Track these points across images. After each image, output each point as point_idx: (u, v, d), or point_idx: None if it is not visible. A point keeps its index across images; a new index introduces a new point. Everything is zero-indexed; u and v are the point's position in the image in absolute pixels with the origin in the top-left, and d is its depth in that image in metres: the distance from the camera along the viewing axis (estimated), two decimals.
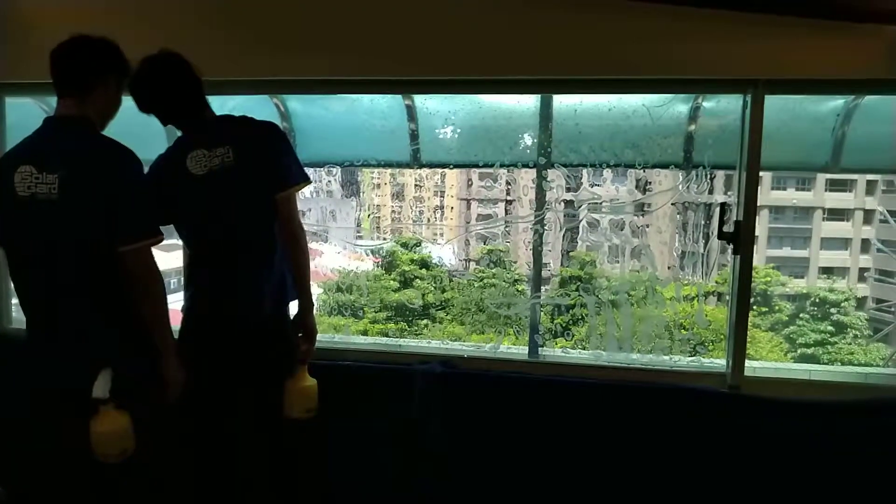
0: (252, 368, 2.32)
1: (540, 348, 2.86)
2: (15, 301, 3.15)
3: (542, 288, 2.98)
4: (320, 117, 3.28)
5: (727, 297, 2.68)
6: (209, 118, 2.31)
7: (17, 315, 3.17)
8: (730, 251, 2.58)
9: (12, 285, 3.02)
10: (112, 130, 2.19)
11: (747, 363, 2.63)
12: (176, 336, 2.20)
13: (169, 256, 3.11)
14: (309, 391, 2.38)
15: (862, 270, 13.11)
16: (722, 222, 2.54)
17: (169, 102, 2.26)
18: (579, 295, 2.95)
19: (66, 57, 2.06)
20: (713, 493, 2.56)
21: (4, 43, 2.89)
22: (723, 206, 2.55)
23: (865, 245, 13.19)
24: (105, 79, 2.08)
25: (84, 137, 2.03)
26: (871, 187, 13.01)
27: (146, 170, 2.23)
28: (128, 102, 2.25)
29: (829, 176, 12.35)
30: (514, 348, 3.02)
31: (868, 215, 13.11)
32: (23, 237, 2.04)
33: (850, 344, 11.72)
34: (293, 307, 2.38)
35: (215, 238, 2.27)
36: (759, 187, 2.52)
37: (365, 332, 9.27)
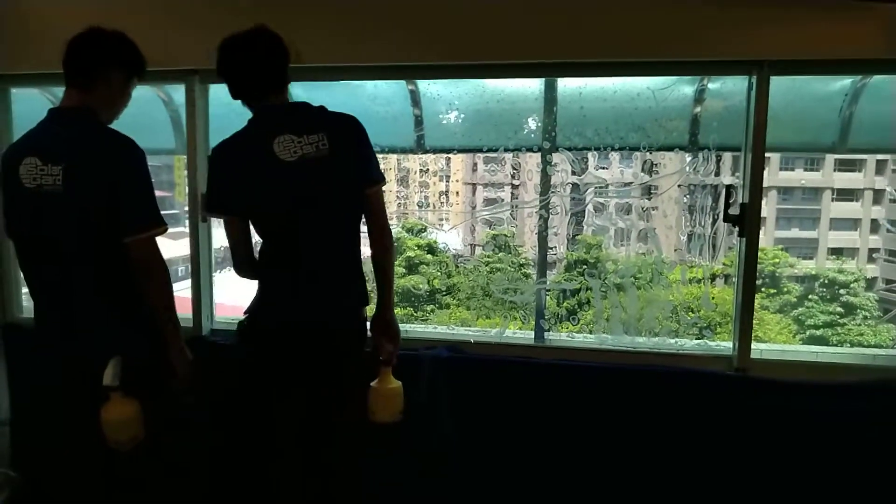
0: (335, 371, 2.21)
1: (546, 333, 2.87)
2: (25, 291, 3.18)
3: (548, 272, 2.98)
4: (324, 103, 3.26)
5: (734, 279, 2.68)
6: (290, 102, 2.24)
7: (27, 304, 3.20)
8: (736, 233, 2.58)
9: (22, 275, 3.12)
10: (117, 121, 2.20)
11: (754, 345, 2.63)
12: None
13: (176, 244, 3.13)
14: (395, 394, 2.28)
15: (871, 251, 13.05)
16: (727, 205, 2.54)
17: (263, 73, 2.16)
18: (584, 279, 2.94)
19: (76, 48, 2.07)
20: (720, 476, 2.58)
21: (9, 34, 2.89)
22: (728, 188, 2.54)
23: (875, 225, 13.11)
24: (111, 72, 2.09)
25: (87, 129, 2.05)
26: (881, 167, 12.92)
27: (212, 155, 2.21)
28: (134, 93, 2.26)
29: (837, 156, 12.25)
30: (520, 333, 3.03)
31: (878, 195, 13.02)
32: (31, 228, 2.06)
33: (859, 325, 11.70)
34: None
35: (306, 229, 2.11)
36: (766, 168, 2.50)
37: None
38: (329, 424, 2.23)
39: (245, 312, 2.24)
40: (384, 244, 2.26)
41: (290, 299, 2.16)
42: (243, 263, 2.22)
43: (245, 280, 2.27)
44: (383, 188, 2.27)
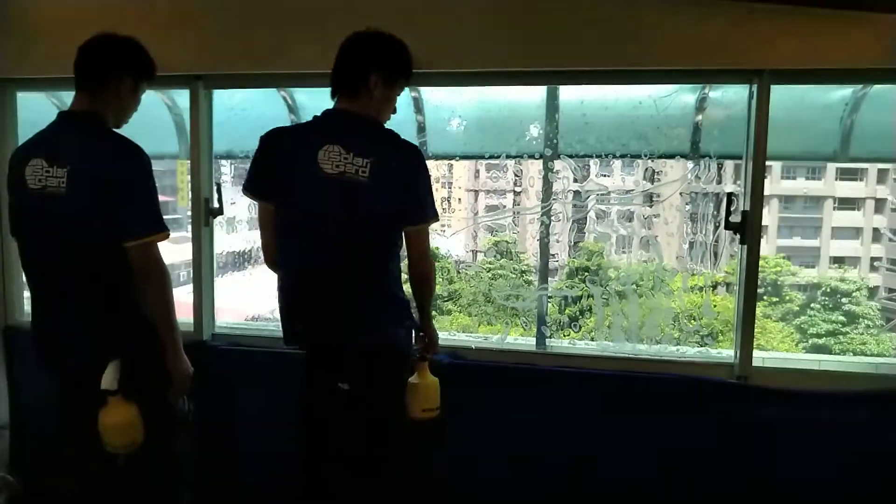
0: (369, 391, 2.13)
1: (547, 339, 2.87)
2: (27, 294, 3.19)
3: (550, 279, 2.98)
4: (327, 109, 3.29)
5: (736, 287, 2.68)
6: (359, 114, 2.09)
7: (28, 308, 3.21)
8: (737, 241, 2.58)
9: (21, 277, 3.13)
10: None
11: (756, 353, 2.63)
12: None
13: (178, 249, 3.14)
14: (431, 389, 2.25)
15: (873, 260, 13.03)
16: (728, 212, 2.54)
17: (338, 71, 2.11)
18: (586, 286, 2.94)
19: (85, 53, 2.08)
20: (721, 484, 2.58)
21: (15, 38, 2.92)
22: (729, 195, 2.54)
23: (877, 234, 13.10)
24: (119, 77, 2.10)
25: (93, 133, 2.06)
26: (882, 176, 12.92)
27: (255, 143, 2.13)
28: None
29: (839, 165, 12.25)
30: (521, 339, 3.03)
31: (879, 204, 13.02)
32: (34, 229, 2.08)
33: (861, 334, 11.67)
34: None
35: (319, 246, 2.05)
36: (768, 177, 2.51)
37: None
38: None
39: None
40: (420, 276, 2.23)
41: (297, 306, 2.14)
42: (267, 250, 2.18)
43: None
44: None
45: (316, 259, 2.05)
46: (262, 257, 2.21)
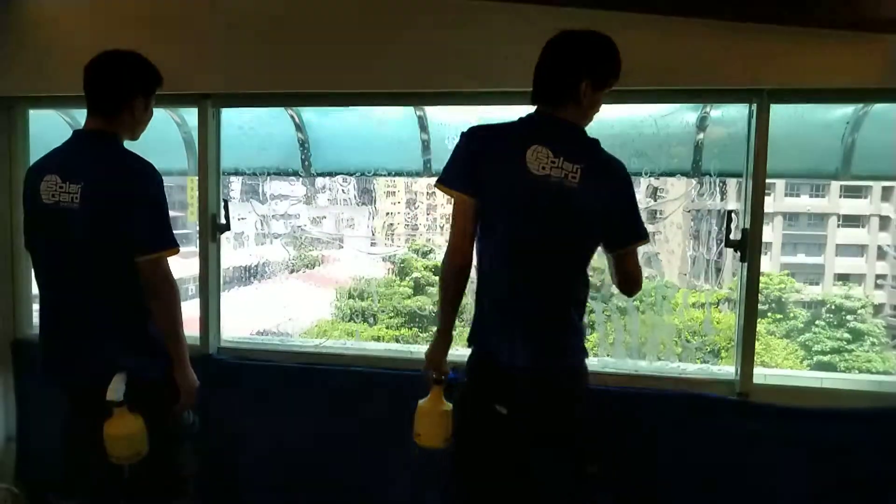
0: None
1: None
2: (36, 307, 3.22)
3: None
4: (334, 128, 3.34)
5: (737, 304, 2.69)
6: (567, 121, 2.01)
7: (37, 322, 3.24)
8: (738, 258, 2.60)
9: (33, 291, 3.16)
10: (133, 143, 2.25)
11: (758, 370, 2.63)
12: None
13: (187, 264, 3.18)
14: (444, 416, 2.14)
15: (878, 277, 12.98)
16: (728, 230, 2.56)
17: (567, 81, 1.99)
18: (588, 302, 2.96)
19: (96, 78, 2.12)
20: (720, 500, 2.57)
21: (27, 57, 2.97)
22: (729, 213, 2.55)
23: (882, 251, 13.07)
24: (132, 101, 2.14)
25: (108, 151, 2.11)
26: (886, 194, 12.90)
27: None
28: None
29: (843, 182, 12.25)
30: None
31: (884, 222, 12.99)
32: (46, 243, 2.13)
33: (867, 351, 11.60)
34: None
35: (547, 256, 1.97)
36: (772, 195, 2.52)
37: (378, 338, 9.31)
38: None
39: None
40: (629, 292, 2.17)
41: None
42: (458, 249, 2.03)
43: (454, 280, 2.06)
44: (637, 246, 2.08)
45: (522, 263, 1.97)
46: (448, 259, 2.05)
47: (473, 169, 1.99)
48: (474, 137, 2.03)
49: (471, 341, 2.14)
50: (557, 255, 1.98)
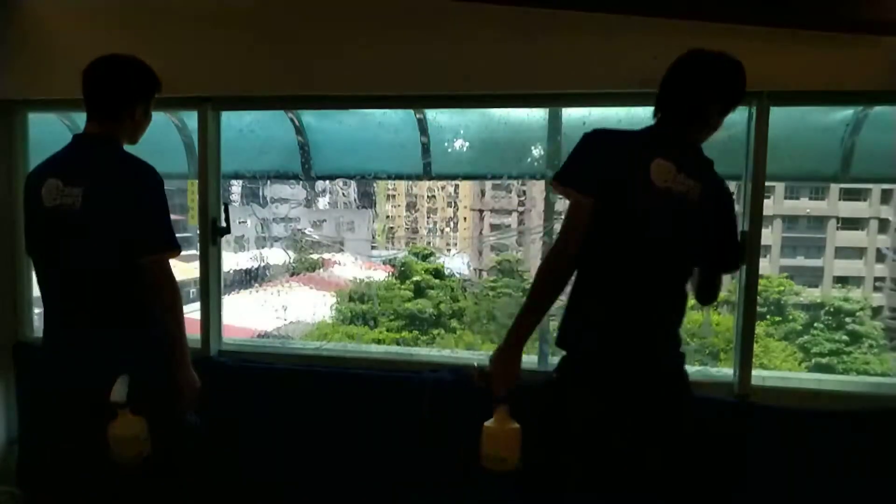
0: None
1: (549, 357, 2.89)
2: (37, 311, 3.23)
3: None
4: (334, 131, 3.35)
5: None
6: (690, 142, 2.05)
7: (38, 325, 3.25)
8: None
9: (34, 294, 3.17)
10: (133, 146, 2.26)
11: (756, 372, 2.64)
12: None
13: (187, 267, 3.19)
14: (515, 438, 2.03)
15: (877, 279, 12.99)
16: None
17: (698, 103, 2.03)
18: None
19: (96, 84, 2.13)
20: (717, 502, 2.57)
21: (27, 60, 2.98)
22: None
23: (881, 254, 13.07)
24: (133, 106, 2.15)
25: (109, 154, 2.12)
26: (886, 196, 12.91)
27: None
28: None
29: (843, 185, 12.26)
30: (523, 357, 3.04)
31: (883, 224, 13.00)
32: (48, 246, 2.14)
33: (865, 354, 11.60)
34: None
35: (662, 267, 1.98)
36: (772, 197, 2.52)
37: (379, 341, 9.32)
38: None
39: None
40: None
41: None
42: (566, 253, 1.96)
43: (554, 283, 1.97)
44: None
45: (638, 271, 1.95)
46: (554, 260, 1.98)
47: (596, 172, 1.95)
48: (600, 140, 2.01)
49: (569, 343, 2.06)
50: (671, 265, 2.00)
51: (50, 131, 3.22)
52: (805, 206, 13.29)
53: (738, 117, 2.70)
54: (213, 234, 2.95)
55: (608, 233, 1.94)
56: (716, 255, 2.08)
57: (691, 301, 2.17)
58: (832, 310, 12.08)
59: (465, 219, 12.10)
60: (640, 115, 2.83)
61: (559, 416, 2.04)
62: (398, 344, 9.19)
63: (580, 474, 2.05)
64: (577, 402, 2.01)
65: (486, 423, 2.04)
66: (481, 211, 12.91)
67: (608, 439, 2.01)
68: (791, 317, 12.06)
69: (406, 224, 11.35)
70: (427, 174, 3.22)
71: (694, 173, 1.95)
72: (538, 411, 2.05)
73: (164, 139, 3.17)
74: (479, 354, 3.02)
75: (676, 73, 2.05)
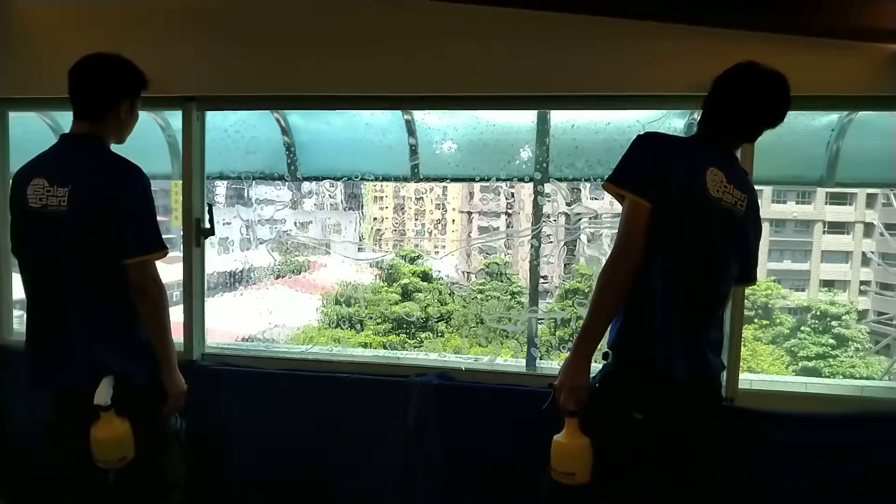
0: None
1: (538, 361, 2.88)
2: (17, 314, 3.18)
3: (542, 301, 3.00)
4: (321, 132, 3.33)
5: None
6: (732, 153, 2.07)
7: (17, 328, 3.20)
8: None
9: (15, 296, 3.12)
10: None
11: (744, 376, 2.65)
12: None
13: (170, 269, 3.15)
14: (587, 452, 1.96)
15: (862, 283, 13.10)
16: None
17: (748, 118, 2.04)
18: (575, 308, 2.96)
19: (81, 83, 2.11)
20: None
21: (9, 58, 2.94)
22: None
23: (866, 258, 13.19)
24: (118, 104, 2.13)
25: (95, 154, 2.10)
26: (871, 200, 13.03)
27: None
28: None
29: (829, 189, 12.36)
30: (511, 361, 3.04)
31: (868, 228, 13.12)
32: (34, 247, 2.12)
33: (851, 357, 11.71)
34: None
35: (713, 282, 1.97)
36: (759, 201, 2.51)
37: (366, 345, 9.28)
38: None
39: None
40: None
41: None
42: (628, 255, 1.91)
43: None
44: None
45: (690, 279, 1.92)
46: (615, 263, 1.92)
47: (653, 175, 1.91)
48: (656, 143, 1.99)
49: (619, 350, 2.00)
50: (721, 274, 1.98)
51: (33, 130, 3.18)
52: (792, 210, 13.40)
53: None
54: (197, 235, 2.91)
55: (663, 238, 1.90)
56: (745, 268, 2.08)
57: None
58: (819, 313, 12.18)
59: (453, 221, 12.10)
60: (625, 117, 2.85)
61: (602, 437, 1.97)
62: (385, 347, 9.15)
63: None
64: (624, 428, 1.95)
65: (556, 437, 1.99)
66: (469, 213, 12.92)
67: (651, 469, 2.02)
68: (778, 320, 12.14)
69: (394, 226, 11.33)
70: (415, 176, 3.21)
71: (742, 186, 1.97)
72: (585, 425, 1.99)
73: (147, 139, 3.14)
74: (466, 358, 3.00)
75: (732, 85, 2.03)
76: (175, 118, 3.08)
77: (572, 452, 1.96)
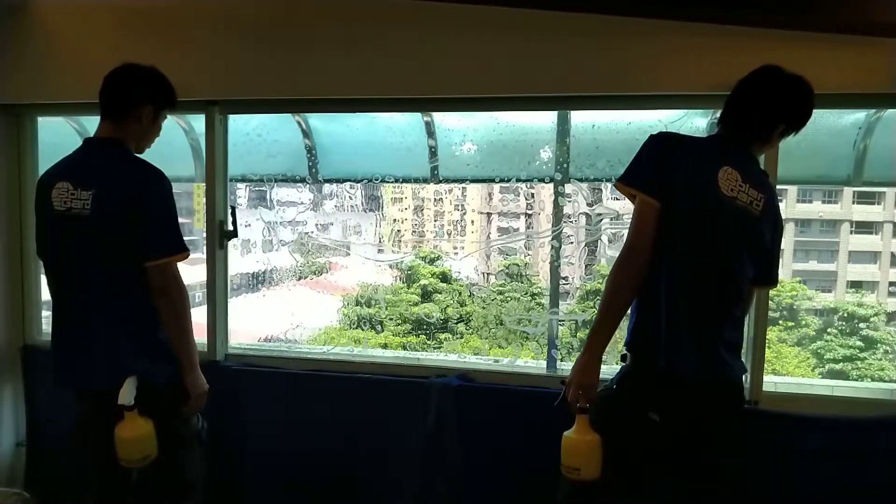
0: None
1: (558, 362, 2.87)
2: (45, 314, 3.24)
3: (562, 302, 2.99)
4: (341, 134, 3.35)
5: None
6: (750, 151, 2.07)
7: (46, 328, 3.26)
8: None
9: (42, 297, 3.18)
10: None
11: (769, 378, 2.62)
12: None
13: (193, 270, 3.18)
14: (595, 448, 1.97)
15: (891, 284, 12.85)
16: None
17: (766, 121, 2.05)
18: (595, 309, 2.94)
19: (110, 85, 2.16)
20: None
21: (36, 64, 2.99)
22: None
23: (895, 258, 12.94)
24: (141, 109, 2.17)
25: (117, 157, 2.14)
26: None
27: None
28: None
29: (856, 188, 12.14)
30: (531, 362, 3.03)
31: None
32: (58, 249, 2.16)
33: (880, 360, 11.48)
34: None
35: (726, 276, 1.96)
36: (784, 201, 2.49)
37: (385, 346, 9.30)
38: None
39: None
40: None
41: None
42: (637, 252, 1.93)
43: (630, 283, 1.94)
44: None
45: (703, 278, 1.93)
46: (625, 261, 1.95)
47: (663, 174, 1.93)
48: (667, 143, 2.01)
49: (633, 351, 2.03)
50: (733, 272, 1.97)
51: (62, 133, 3.24)
52: (818, 209, 13.19)
53: None
54: (220, 237, 2.94)
55: (674, 238, 1.92)
56: (761, 269, 2.05)
57: None
58: (846, 315, 11.97)
59: (472, 222, 12.09)
60: (647, 117, 2.83)
61: (618, 438, 1.98)
62: (405, 348, 9.17)
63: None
64: (641, 430, 1.97)
65: (566, 433, 2.01)
66: (489, 214, 12.90)
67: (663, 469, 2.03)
68: (804, 322, 11.95)
69: (413, 227, 11.34)
70: (434, 177, 3.21)
71: (759, 185, 1.97)
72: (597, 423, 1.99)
73: (170, 142, 3.16)
74: (486, 359, 3.00)
75: (752, 88, 2.04)
76: (198, 122, 3.11)
77: (579, 448, 1.98)
